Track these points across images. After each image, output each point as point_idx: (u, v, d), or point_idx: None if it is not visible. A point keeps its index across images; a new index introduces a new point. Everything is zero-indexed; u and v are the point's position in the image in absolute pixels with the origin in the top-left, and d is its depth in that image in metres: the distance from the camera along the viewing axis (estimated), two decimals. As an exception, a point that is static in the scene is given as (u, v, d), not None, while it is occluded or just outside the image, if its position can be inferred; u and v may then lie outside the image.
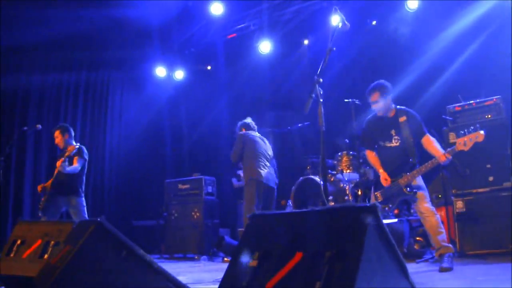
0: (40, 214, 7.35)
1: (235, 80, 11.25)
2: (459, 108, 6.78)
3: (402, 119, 5.79)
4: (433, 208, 5.63)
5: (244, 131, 7.88)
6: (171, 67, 11.81)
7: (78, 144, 7.72)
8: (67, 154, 7.32)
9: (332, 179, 8.22)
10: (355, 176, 8.01)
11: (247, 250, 2.48)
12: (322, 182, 6.70)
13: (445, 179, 7.02)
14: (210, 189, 9.58)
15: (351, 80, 9.41)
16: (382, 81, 5.95)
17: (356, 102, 7.59)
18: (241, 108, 10.88)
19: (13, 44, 9.83)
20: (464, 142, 5.30)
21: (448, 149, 5.41)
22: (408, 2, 8.69)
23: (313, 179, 8.17)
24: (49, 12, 9.23)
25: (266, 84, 11.00)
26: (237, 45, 11.07)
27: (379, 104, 5.84)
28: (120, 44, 11.11)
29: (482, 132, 5.30)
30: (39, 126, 8.25)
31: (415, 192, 5.58)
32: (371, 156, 6.05)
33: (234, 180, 9.80)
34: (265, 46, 10.36)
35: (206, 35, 11.07)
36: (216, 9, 9.90)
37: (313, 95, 4.15)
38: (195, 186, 9.46)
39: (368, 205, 2.23)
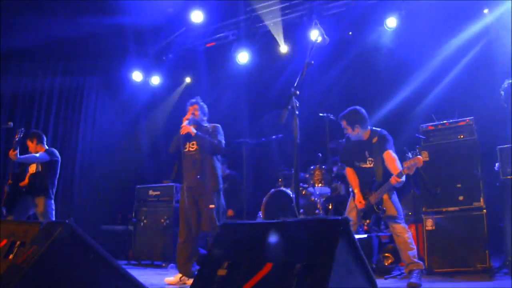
0: (4, 212, 7.25)
1: (213, 89, 11.23)
2: (432, 128, 6.85)
3: (375, 140, 5.91)
4: (406, 226, 5.70)
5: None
6: (147, 72, 11.72)
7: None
8: (15, 141, 7.27)
9: (303, 192, 8.22)
10: (327, 190, 8.04)
11: (216, 258, 2.46)
12: (293, 195, 6.76)
13: (416, 196, 7.09)
14: (179, 196, 9.51)
15: (329, 95, 9.48)
16: (353, 109, 6.03)
17: (331, 117, 7.66)
18: (217, 116, 10.84)
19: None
20: (408, 167, 5.44)
21: (398, 173, 5.52)
22: (387, 20, 8.75)
23: (284, 192, 8.16)
24: (23, 19, 9.22)
25: (244, 94, 11.02)
26: (215, 54, 11.06)
27: (348, 131, 6.00)
28: (96, 49, 11.02)
29: (420, 157, 5.44)
30: (10, 124, 8.17)
31: (384, 210, 5.68)
32: (350, 174, 6.14)
33: None
34: (243, 57, 10.36)
35: (185, 42, 11.04)
36: (196, 17, 9.88)
37: (289, 107, 4.16)
38: (166, 193, 9.38)
39: (339, 218, 2.23)
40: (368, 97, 8.90)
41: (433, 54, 8.55)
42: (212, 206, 6.15)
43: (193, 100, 6.80)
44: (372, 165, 5.88)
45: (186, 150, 6.55)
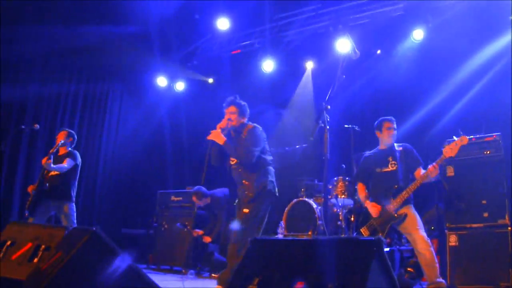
0: (26, 214, 7.29)
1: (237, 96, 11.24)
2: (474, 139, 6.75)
3: (400, 149, 6.11)
4: (428, 239, 5.66)
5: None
6: (172, 78, 11.78)
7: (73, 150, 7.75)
8: (52, 151, 7.30)
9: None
10: (350, 202, 7.99)
11: (247, 274, 2.44)
12: (317, 206, 6.72)
13: (440, 211, 7.01)
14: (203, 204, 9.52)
15: (353, 106, 9.43)
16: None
17: (356, 128, 7.65)
18: None
19: (12, 55, 9.89)
20: (450, 148, 5.54)
21: (437, 159, 5.61)
22: (413, 32, 8.69)
23: (307, 202, 8.13)
24: (49, 27, 9.36)
25: (268, 103, 11.00)
26: (241, 62, 11.07)
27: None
28: (121, 54, 11.09)
29: (466, 136, 5.58)
30: (37, 126, 8.22)
31: (405, 215, 5.71)
32: (361, 189, 6.31)
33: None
34: (268, 65, 10.36)
35: (210, 49, 11.06)
36: (223, 24, 9.89)
37: (320, 122, 4.14)
38: (188, 199, 9.37)
39: (373, 239, 2.20)
40: (392, 109, 8.83)
41: (459, 67, 8.45)
42: (246, 210, 5.62)
43: (229, 100, 6.02)
44: (395, 168, 5.98)
45: (231, 162, 5.95)
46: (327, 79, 4.82)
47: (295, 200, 8.33)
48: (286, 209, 8.29)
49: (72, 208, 7.52)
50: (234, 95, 6.13)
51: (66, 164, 7.46)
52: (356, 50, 4.63)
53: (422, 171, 5.83)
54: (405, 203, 5.80)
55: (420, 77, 8.82)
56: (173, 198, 9.63)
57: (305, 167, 9.47)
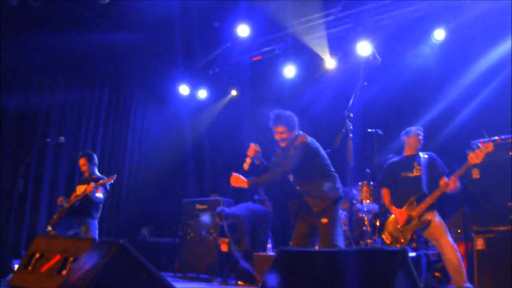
0: (49, 228, 7.37)
1: (259, 103, 11.28)
2: (499, 141, 6.70)
3: (425, 156, 6.16)
4: (454, 244, 5.65)
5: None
6: (194, 86, 11.87)
7: (100, 175, 7.83)
8: (100, 182, 7.35)
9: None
10: (375, 206, 7.96)
11: (273, 286, 2.48)
12: (343, 212, 6.70)
13: (466, 214, 6.95)
14: (228, 210, 9.56)
15: (373, 109, 9.41)
16: None
17: (379, 132, 7.65)
18: (264, 132, 10.94)
19: (34, 62, 10.10)
20: (476, 154, 5.54)
21: (461, 166, 5.66)
22: (434, 32, 8.65)
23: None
24: (72, 34, 9.47)
25: (291, 109, 10.99)
26: (262, 68, 11.12)
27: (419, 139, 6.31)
28: (144, 62, 11.23)
29: (491, 143, 5.63)
30: (62, 138, 8.35)
31: (429, 222, 5.74)
32: (386, 194, 6.34)
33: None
34: (289, 71, 10.38)
35: (231, 56, 11.13)
36: (243, 31, 9.93)
37: (343, 130, 4.16)
38: (213, 207, 9.41)
39: (397, 249, 2.23)
40: (413, 111, 8.84)
41: (480, 68, 8.39)
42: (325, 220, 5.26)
43: (274, 118, 5.44)
44: (419, 173, 6.00)
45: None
46: (349, 83, 4.82)
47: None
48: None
49: (93, 224, 7.57)
50: (276, 111, 5.50)
51: (101, 194, 7.52)
52: (377, 55, 4.64)
53: (446, 180, 5.83)
54: (429, 208, 5.81)
55: (443, 76, 8.80)
56: (197, 206, 9.68)
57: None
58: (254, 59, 10.96)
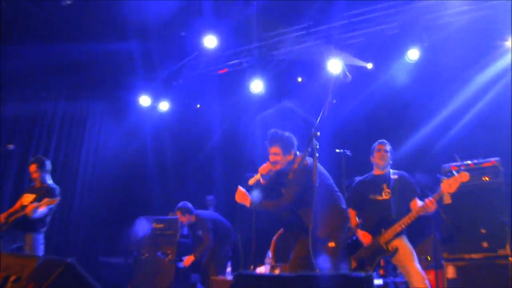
0: None
1: (225, 118, 11.27)
2: (456, 168, 6.74)
3: (395, 177, 6.09)
4: (423, 271, 5.63)
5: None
6: (156, 98, 11.68)
7: (52, 183, 7.64)
8: (40, 204, 7.18)
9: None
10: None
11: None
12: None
13: (436, 240, 6.99)
14: (186, 231, 9.46)
15: (345, 130, 9.44)
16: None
17: (347, 153, 7.67)
18: (229, 146, 11.03)
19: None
20: (449, 184, 5.52)
21: (434, 194, 5.61)
22: (408, 52, 8.71)
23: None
24: (26, 44, 9.42)
25: (257, 125, 11.01)
26: (228, 81, 11.04)
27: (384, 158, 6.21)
28: (102, 72, 11.11)
29: (467, 172, 5.54)
30: (11, 146, 8.18)
31: (396, 249, 5.71)
32: (352, 216, 6.20)
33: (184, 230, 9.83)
34: (256, 85, 10.34)
35: (196, 68, 11.04)
36: (210, 42, 9.86)
37: (309, 149, 4.14)
38: (170, 226, 9.28)
39: (362, 276, 2.19)
40: (386, 133, 8.86)
41: (456, 89, 8.50)
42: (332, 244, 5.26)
43: (270, 138, 5.38)
44: (388, 197, 5.96)
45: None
46: (319, 101, 4.82)
47: (284, 227, 8.25)
48: (274, 237, 8.20)
49: (38, 240, 7.41)
50: (273, 131, 5.43)
51: (45, 209, 7.35)
52: (347, 73, 4.63)
53: (419, 203, 5.79)
54: (397, 235, 5.78)
55: (417, 97, 8.87)
56: (154, 225, 9.54)
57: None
58: (220, 72, 10.89)
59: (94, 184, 12.04)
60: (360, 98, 9.34)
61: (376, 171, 6.29)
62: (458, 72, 8.35)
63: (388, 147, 6.23)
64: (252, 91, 10.43)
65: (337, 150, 7.68)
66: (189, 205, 8.75)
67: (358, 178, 6.49)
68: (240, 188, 5.32)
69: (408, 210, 5.85)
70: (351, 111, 9.31)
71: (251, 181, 5.37)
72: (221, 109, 11.57)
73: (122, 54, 10.38)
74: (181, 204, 8.72)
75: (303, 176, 5.15)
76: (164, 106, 11.75)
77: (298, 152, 5.41)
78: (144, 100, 11.57)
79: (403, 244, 5.78)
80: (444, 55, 8.38)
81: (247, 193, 5.30)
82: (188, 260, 8.70)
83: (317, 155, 4.16)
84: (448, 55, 8.27)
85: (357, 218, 6.23)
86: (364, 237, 5.91)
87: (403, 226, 5.72)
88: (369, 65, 9.20)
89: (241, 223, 9.23)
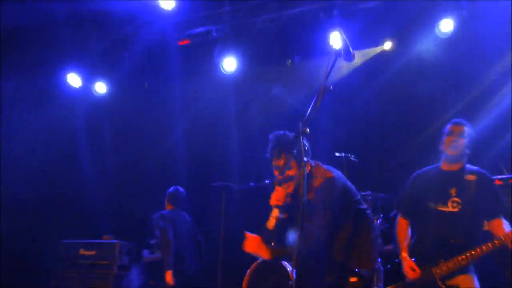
0: None
1: (186, 106, 11.13)
2: (500, 183, 6.63)
3: (470, 177, 5.69)
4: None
5: None
6: (90, 76, 11.56)
7: None
8: None
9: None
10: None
11: None
12: (293, 270, 6.46)
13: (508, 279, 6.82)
14: (126, 260, 9.32)
15: (352, 126, 9.36)
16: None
17: (351, 158, 7.55)
18: (188, 145, 10.91)
19: None
20: None
21: None
22: (440, 23, 8.61)
23: (278, 265, 7.92)
24: None
25: (228, 118, 10.90)
26: (191, 57, 10.97)
27: (460, 142, 5.77)
28: (15, 43, 10.92)
29: None
30: None
31: None
32: (401, 227, 5.98)
33: (145, 252, 9.58)
34: (229, 63, 10.30)
35: (147, 38, 10.84)
36: (166, 3, 9.67)
37: (295, 151, 3.96)
38: (104, 253, 9.24)
39: None
40: (406, 133, 8.81)
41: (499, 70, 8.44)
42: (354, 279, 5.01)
43: (274, 144, 5.09)
44: (457, 209, 5.58)
45: None
46: (311, 85, 4.60)
47: (260, 261, 8.09)
48: (247, 275, 8.05)
49: None
50: (278, 134, 5.15)
51: None
52: (351, 50, 4.42)
53: (505, 225, 5.46)
54: (462, 270, 5.45)
55: (448, 81, 8.89)
56: (82, 251, 9.43)
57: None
58: (181, 43, 10.74)
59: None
60: (372, 87, 9.25)
61: (444, 165, 5.89)
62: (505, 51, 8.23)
63: (466, 130, 5.77)
64: (223, 71, 10.37)
65: (337, 154, 7.54)
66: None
67: (418, 172, 6.09)
68: (250, 235, 5.10)
69: (484, 233, 5.59)
70: (359, 103, 9.21)
71: (270, 224, 4.89)
72: (182, 94, 11.45)
73: (43, 17, 10.13)
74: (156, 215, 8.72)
75: (329, 194, 4.93)
76: (100, 87, 11.61)
77: (314, 164, 5.14)
78: (73, 80, 11.38)
79: (469, 284, 5.45)
80: (489, 28, 8.28)
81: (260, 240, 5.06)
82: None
83: (305, 159, 3.96)
84: (494, 27, 8.17)
85: (408, 232, 5.91)
86: (409, 269, 5.58)
87: (472, 258, 5.33)
88: (387, 44, 9.08)
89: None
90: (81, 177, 12.15)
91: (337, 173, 5.09)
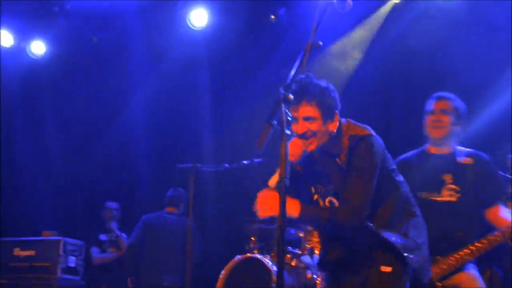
0: None
1: (148, 70, 11.18)
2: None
3: (466, 161, 5.81)
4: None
5: None
6: (24, 34, 11.55)
7: None
8: None
9: (293, 263, 8.10)
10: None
11: None
12: (274, 268, 6.63)
13: (496, 278, 7.00)
14: (73, 262, 9.40)
15: (349, 103, 9.46)
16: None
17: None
18: (153, 118, 11.01)
19: None
20: None
21: None
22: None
23: (259, 261, 8.05)
24: None
25: (199, 84, 10.97)
26: (153, 9, 10.97)
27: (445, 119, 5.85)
28: None
29: None
30: None
31: None
32: None
33: (94, 250, 9.72)
34: (198, 16, 10.36)
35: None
36: None
37: (274, 122, 3.98)
38: (45, 253, 9.26)
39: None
40: (410, 110, 8.92)
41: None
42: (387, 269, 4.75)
43: (300, 83, 4.61)
44: (455, 198, 5.72)
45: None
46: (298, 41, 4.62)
47: (238, 257, 8.22)
48: (223, 272, 8.17)
49: None
50: (303, 75, 4.66)
51: None
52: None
53: (505, 213, 5.60)
54: (462, 267, 5.56)
55: (463, 56, 8.86)
56: (17, 252, 9.48)
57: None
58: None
59: None
60: (373, 56, 9.35)
61: (431, 148, 6.02)
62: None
63: (452, 105, 5.87)
64: (191, 25, 10.42)
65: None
66: None
67: (402, 157, 6.16)
68: (267, 189, 4.66)
69: (484, 224, 5.74)
70: (357, 75, 9.33)
71: (272, 182, 4.72)
72: (141, 55, 11.41)
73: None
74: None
75: (369, 154, 4.63)
76: (38, 47, 11.61)
77: (344, 122, 4.87)
78: (4, 38, 11.40)
79: (470, 283, 5.63)
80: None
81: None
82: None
83: (288, 132, 3.96)
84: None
85: None
86: None
87: (473, 255, 5.48)
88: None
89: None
90: (15, 161, 12.18)
91: (373, 136, 4.69)
